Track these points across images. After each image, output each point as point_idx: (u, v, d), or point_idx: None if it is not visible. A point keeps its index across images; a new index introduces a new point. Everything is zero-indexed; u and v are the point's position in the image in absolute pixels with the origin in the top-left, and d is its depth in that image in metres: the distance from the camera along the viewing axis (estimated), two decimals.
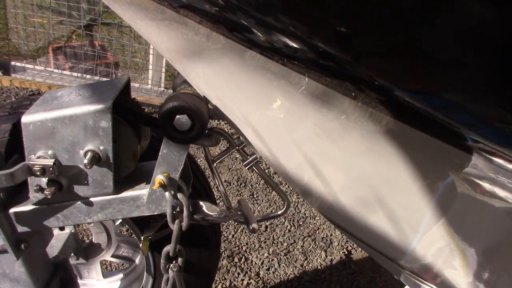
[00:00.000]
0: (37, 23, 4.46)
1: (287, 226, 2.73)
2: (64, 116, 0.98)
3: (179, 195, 1.03)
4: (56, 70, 4.23)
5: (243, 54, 0.84)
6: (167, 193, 1.02)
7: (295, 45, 0.76)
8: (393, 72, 0.73)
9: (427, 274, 1.04)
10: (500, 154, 0.72)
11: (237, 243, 2.55)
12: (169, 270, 1.11)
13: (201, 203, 1.09)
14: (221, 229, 2.60)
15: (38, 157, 1.00)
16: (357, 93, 0.77)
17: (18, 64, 4.25)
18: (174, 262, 1.11)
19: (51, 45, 4.39)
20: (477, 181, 0.78)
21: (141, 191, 1.06)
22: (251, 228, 1.08)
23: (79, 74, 4.14)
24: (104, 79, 4.06)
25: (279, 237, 2.64)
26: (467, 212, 0.87)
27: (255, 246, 2.55)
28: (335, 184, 0.96)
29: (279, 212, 1.16)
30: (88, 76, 4.16)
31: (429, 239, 0.94)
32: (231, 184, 3.08)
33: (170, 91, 4.14)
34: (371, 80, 0.75)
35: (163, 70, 4.28)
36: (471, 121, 0.72)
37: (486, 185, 0.78)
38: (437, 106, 0.73)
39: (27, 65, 4.26)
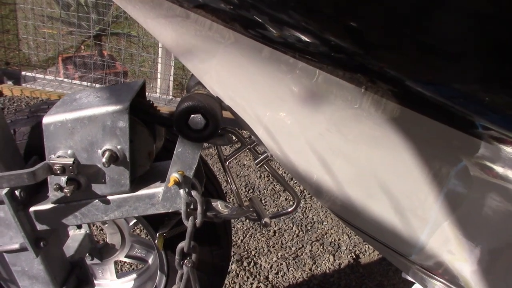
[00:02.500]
0: (47, 34, 4.54)
1: (295, 231, 2.75)
2: (83, 117, 1.02)
3: (193, 193, 1.07)
4: (66, 80, 4.30)
5: (256, 50, 0.88)
6: (181, 191, 1.06)
7: (307, 40, 0.80)
8: (404, 63, 0.77)
9: (436, 268, 1.06)
10: (510, 140, 0.75)
11: (246, 247, 2.58)
12: (183, 266, 1.14)
13: (213, 200, 1.12)
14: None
15: (58, 157, 1.04)
16: (368, 84, 0.80)
17: (28, 74, 4.32)
18: (188, 258, 1.14)
19: (61, 55, 4.46)
20: (488, 167, 0.80)
21: (156, 189, 1.10)
22: (263, 222, 1.11)
23: (89, 83, 4.20)
24: None
25: (288, 241, 2.67)
26: (477, 203, 0.88)
27: (263, 250, 2.58)
28: (345, 179, 0.99)
29: (289, 209, 1.19)
30: (97, 86, 4.22)
31: (438, 231, 0.96)
32: (239, 190, 3.11)
33: (178, 99, 4.19)
34: (382, 72, 0.78)
35: (171, 78, 4.34)
36: (482, 109, 0.75)
37: (497, 171, 0.80)
38: (447, 95, 0.76)
39: (37, 75, 4.32)
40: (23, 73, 4.31)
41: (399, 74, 0.78)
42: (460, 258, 0.98)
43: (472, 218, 0.92)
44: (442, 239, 0.97)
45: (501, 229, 0.90)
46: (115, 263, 1.70)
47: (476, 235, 0.94)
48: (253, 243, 2.62)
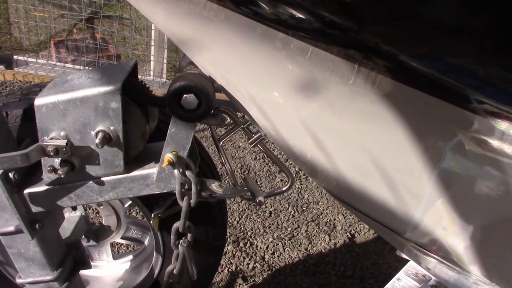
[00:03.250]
0: (39, 17, 4.49)
1: (291, 211, 2.77)
2: (75, 98, 1.01)
3: (188, 173, 1.07)
4: (58, 63, 4.26)
5: (249, 28, 0.87)
6: (175, 171, 1.06)
7: (300, 16, 0.79)
8: (398, 38, 0.77)
9: (430, 245, 1.07)
10: (505, 115, 0.75)
11: (242, 228, 2.59)
12: (179, 245, 1.15)
13: (208, 180, 1.13)
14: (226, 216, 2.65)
15: (51, 138, 1.04)
16: (363, 60, 0.80)
17: (20, 58, 4.28)
18: (183, 238, 1.15)
19: (53, 39, 4.41)
20: (483, 141, 0.80)
21: (151, 170, 1.10)
22: (257, 201, 1.12)
23: (81, 67, 4.17)
24: None
25: (283, 222, 2.68)
26: (471, 179, 0.89)
27: (259, 231, 2.59)
28: (339, 157, 0.99)
29: (283, 188, 1.20)
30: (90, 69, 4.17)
31: (432, 208, 0.97)
32: (235, 171, 3.12)
33: None
34: (377, 47, 0.78)
35: (165, 61, 4.31)
36: (477, 83, 0.75)
37: (491, 145, 0.80)
38: (442, 69, 0.76)
39: (29, 59, 4.28)
40: (15, 57, 4.27)
41: (394, 49, 0.78)
42: (452, 233, 0.98)
43: (465, 193, 0.92)
44: (436, 216, 0.98)
45: (494, 203, 0.91)
46: (112, 244, 1.70)
47: (469, 210, 0.94)
48: (249, 224, 2.63)
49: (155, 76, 4.25)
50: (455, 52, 0.76)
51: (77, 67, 4.20)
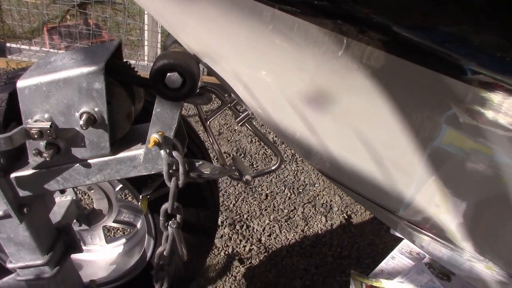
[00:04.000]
0: (31, 4, 4.44)
1: (287, 193, 2.76)
2: (58, 79, 0.99)
3: (174, 153, 1.05)
4: (51, 50, 4.23)
5: (233, 3, 0.85)
6: (162, 151, 1.05)
7: None
8: (388, 8, 0.75)
9: (423, 223, 1.06)
10: (500, 85, 0.73)
11: (238, 211, 2.59)
12: (168, 227, 1.14)
13: (196, 161, 1.12)
14: (222, 199, 2.65)
15: (35, 121, 1.02)
16: (352, 32, 0.78)
17: (13, 45, 4.24)
18: (173, 219, 1.14)
19: (46, 26, 4.37)
20: (477, 113, 0.78)
21: (138, 151, 1.09)
22: (244, 179, 1.11)
23: None
24: None
25: (280, 204, 2.68)
26: (463, 156, 0.87)
27: (256, 214, 2.59)
28: (329, 135, 0.97)
29: (272, 168, 1.19)
30: None
31: (424, 185, 0.95)
32: (231, 155, 3.11)
33: None
34: (367, 18, 0.76)
35: (159, 46, 4.27)
36: (472, 52, 0.73)
37: (486, 117, 0.78)
38: (435, 39, 0.74)
39: (22, 46, 4.25)
40: (8, 44, 4.23)
41: (384, 19, 0.76)
42: (445, 210, 0.97)
43: (458, 170, 0.91)
44: (429, 193, 0.97)
45: (487, 179, 0.90)
46: (108, 229, 1.70)
47: (462, 187, 0.93)
48: (245, 207, 2.63)
49: (150, 61, 4.22)
50: (450, 21, 0.74)
51: None
